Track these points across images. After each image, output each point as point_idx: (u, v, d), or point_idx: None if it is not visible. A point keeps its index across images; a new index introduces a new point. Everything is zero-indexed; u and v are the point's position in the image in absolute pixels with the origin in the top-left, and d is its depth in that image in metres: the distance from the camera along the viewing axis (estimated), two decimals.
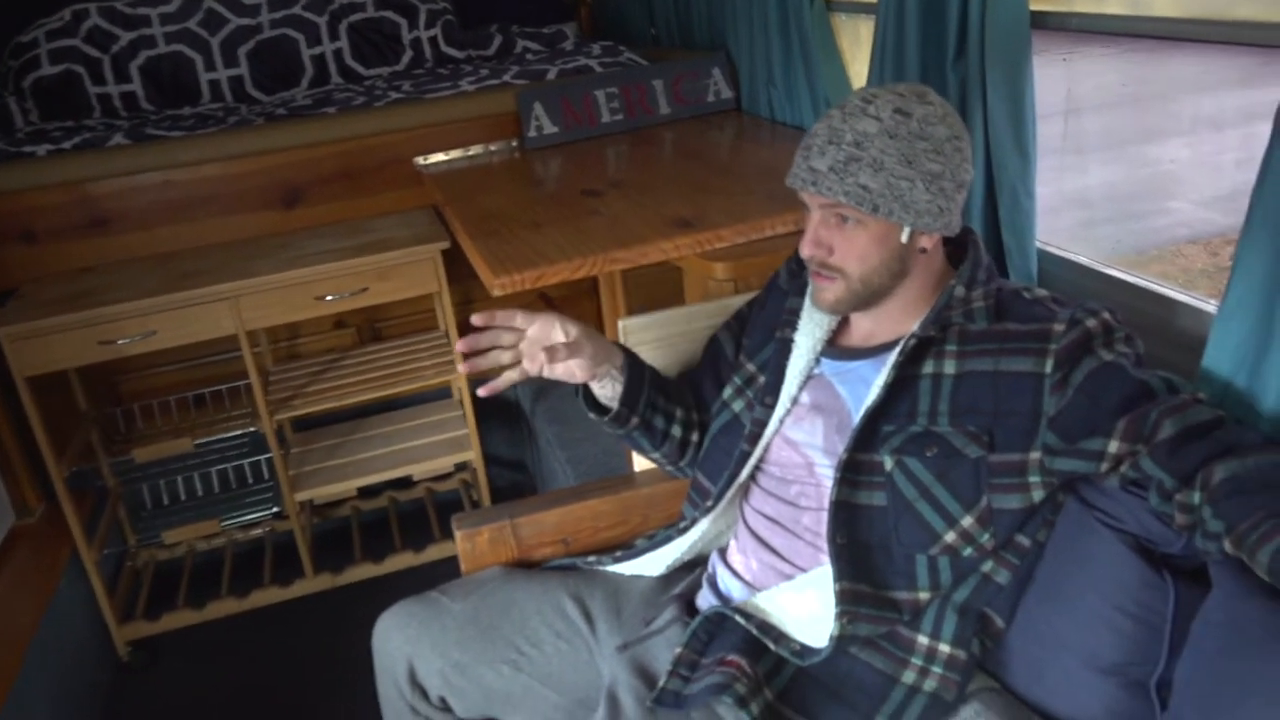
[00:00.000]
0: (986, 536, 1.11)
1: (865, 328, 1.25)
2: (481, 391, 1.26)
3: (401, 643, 1.34)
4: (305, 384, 2.44)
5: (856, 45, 2.04)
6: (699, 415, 1.40)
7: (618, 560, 1.41)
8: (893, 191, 1.08)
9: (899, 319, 1.21)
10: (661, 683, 1.17)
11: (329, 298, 2.21)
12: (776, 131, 2.29)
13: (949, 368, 1.14)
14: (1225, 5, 1.15)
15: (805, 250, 1.15)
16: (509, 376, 1.27)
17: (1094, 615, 1.06)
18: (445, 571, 2.48)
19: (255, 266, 2.20)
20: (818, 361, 1.27)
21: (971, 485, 1.10)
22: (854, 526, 1.15)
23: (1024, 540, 1.12)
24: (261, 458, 2.63)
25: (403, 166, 2.46)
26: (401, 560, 2.52)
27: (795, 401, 1.27)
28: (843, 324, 1.28)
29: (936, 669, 1.13)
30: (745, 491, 1.33)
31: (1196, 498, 0.95)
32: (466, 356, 1.24)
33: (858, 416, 1.18)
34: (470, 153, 2.47)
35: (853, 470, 1.16)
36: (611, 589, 1.39)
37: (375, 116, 2.48)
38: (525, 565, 1.49)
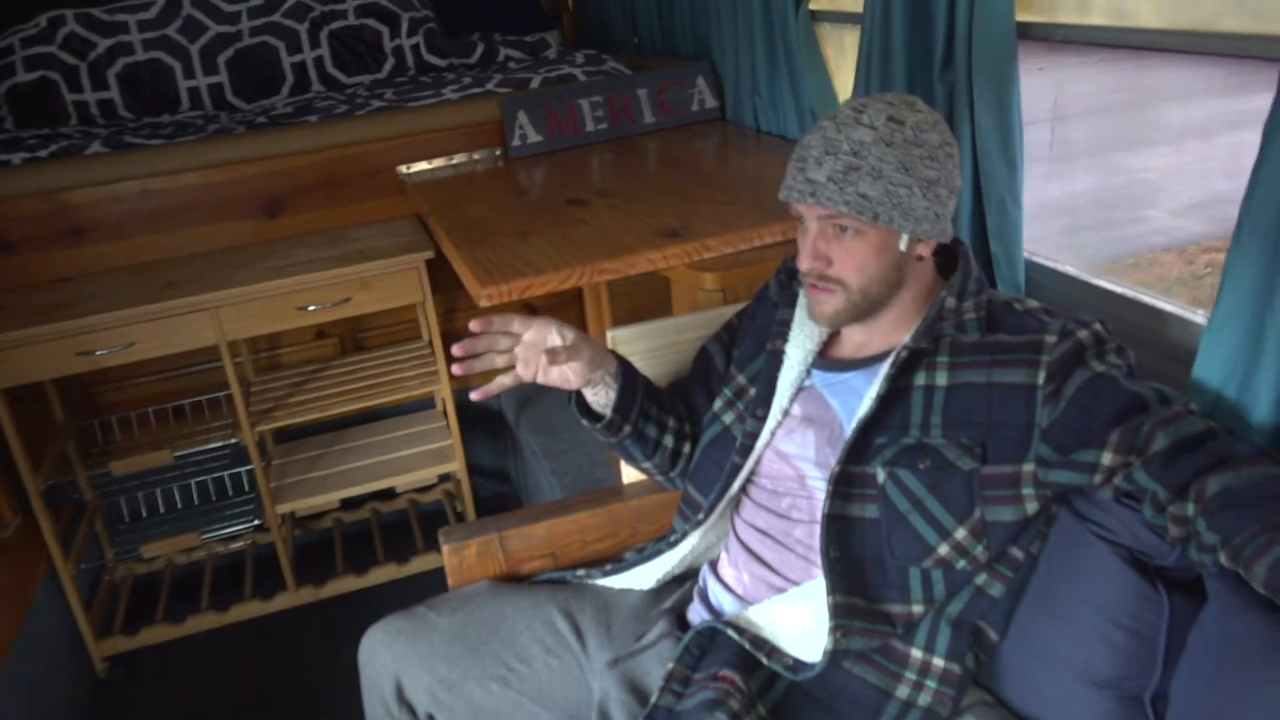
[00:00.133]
0: (980, 549, 1.10)
1: (856, 339, 1.24)
2: (475, 396, 1.25)
3: (388, 659, 1.32)
4: (287, 395, 2.41)
5: (841, 55, 2.04)
6: (690, 426, 1.39)
7: (607, 574, 1.40)
8: (892, 199, 1.08)
9: (890, 330, 1.21)
10: (654, 699, 1.15)
11: (311, 308, 2.19)
12: (762, 141, 2.29)
13: (941, 379, 1.14)
14: (1210, 17, 1.15)
15: (804, 263, 1.15)
16: (502, 381, 1.25)
17: (1088, 628, 1.05)
18: (429, 584, 2.47)
19: (236, 276, 2.17)
20: (809, 373, 1.27)
21: (964, 498, 1.10)
22: (846, 539, 1.14)
23: (1017, 553, 1.12)
24: (242, 470, 2.60)
25: (385, 175, 2.44)
26: (385, 573, 2.49)
27: (786, 413, 1.26)
28: (833, 335, 1.28)
29: (930, 683, 1.13)
30: (736, 504, 1.32)
31: (1190, 510, 0.95)
32: (461, 360, 1.22)
33: (849, 428, 1.18)
34: (454, 161, 2.45)
35: (845, 483, 1.15)
36: (601, 603, 1.38)
37: (357, 125, 2.46)
38: (513, 579, 1.47)
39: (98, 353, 2.06)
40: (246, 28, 2.96)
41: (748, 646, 1.16)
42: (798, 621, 1.18)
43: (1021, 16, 1.40)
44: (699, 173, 2.14)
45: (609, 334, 1.46)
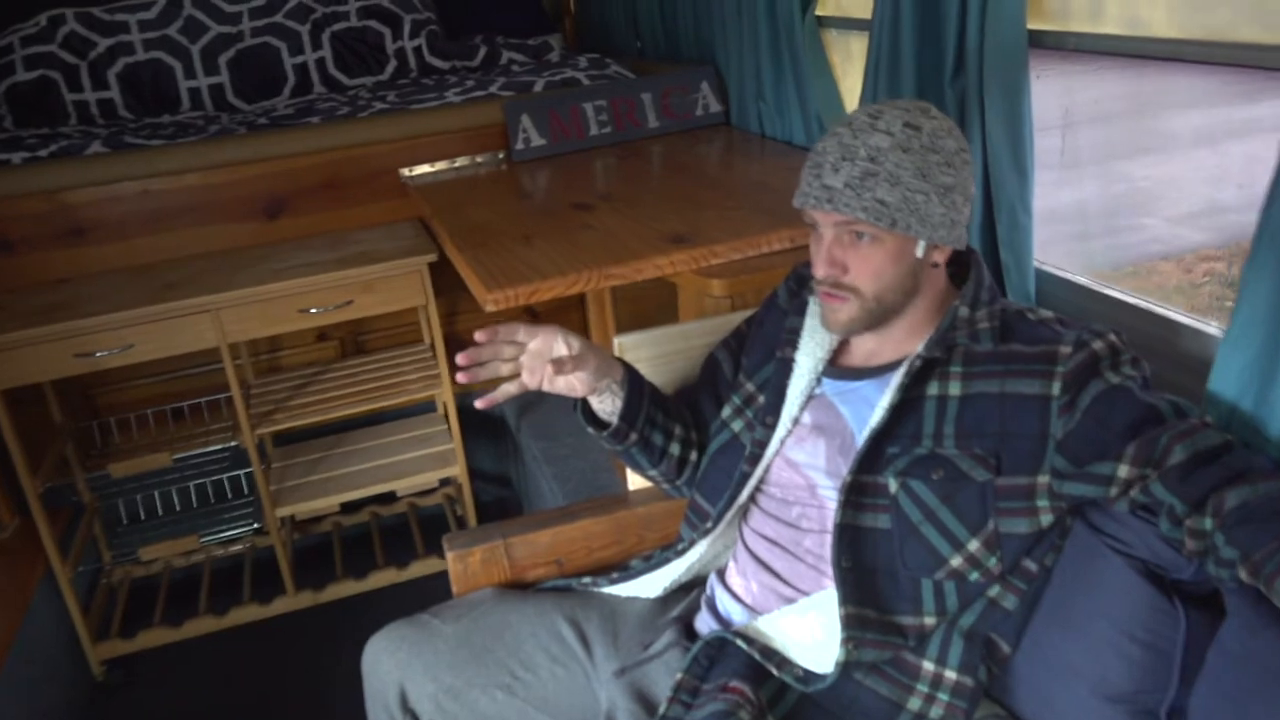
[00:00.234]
0: (994, 561, 1.09)
1: (867, 347, 1.24)
2: (480, 404, 1.23)
3: (392, 666, 1.31)
4: (287, 398, 2.40)
5: (848, 61, 2.04)
6: (697, 434, 1.38)
7: (614, 582, 1.39)
8: (909, 205, 1.07)
9: (903, 339, 1.20)
10: (662, 710, 1.14)
11: (313, 310, 2.17)
12: (766, 146, 2.28)
13: (954, 389, 1.13)
14: (1226, 26, 1.15)
15: (819, 270, 1.14)
16: (507, 389, 1.24)
17: (1103, 642, 1.04)
18: (429, 588, 2.46)
19: (237, 278, 2.16)
20: (819, 381, 1.26)
21: (978, 509, 1.09)
22: (858, 549, 1.13)
23: (1031, 565, 1.11)
24: (241, 473, 2.58)
25: (387, 178, 2.43)
26: (384, 577, 2.48)
27: (796, 422, 1.25)
28: (844, 343, 1.27)
29: (943, 696, 1.12)
30: (744, 513, 1.31)
31: (1208, 524, 0.94)
32: (465, 369, 1.21)
33: (861, 438, 1.17)
34: (456, 164, 2.44)
35: (856, 492, 1.14)
36: (608, 611, 1.37)
37: (360, 127, 2.45)
38: (518, 586, 1.46)
39: (97, 354, 2.05)
40: (248, 28, 2.94)
41: (757, 657, 1.15)
42: (808, 632, 1.17)
43: (1033, 25, 1.39)
44: (704, 178, 2.13)
45: (615, 340, 1.45)
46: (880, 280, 1.12)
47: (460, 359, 1.20)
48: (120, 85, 2.84)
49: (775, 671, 1.14)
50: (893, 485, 1.13)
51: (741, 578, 1.28)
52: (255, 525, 2.54)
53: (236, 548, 2.59)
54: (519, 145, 2.40)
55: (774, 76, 2.19)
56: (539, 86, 2.63)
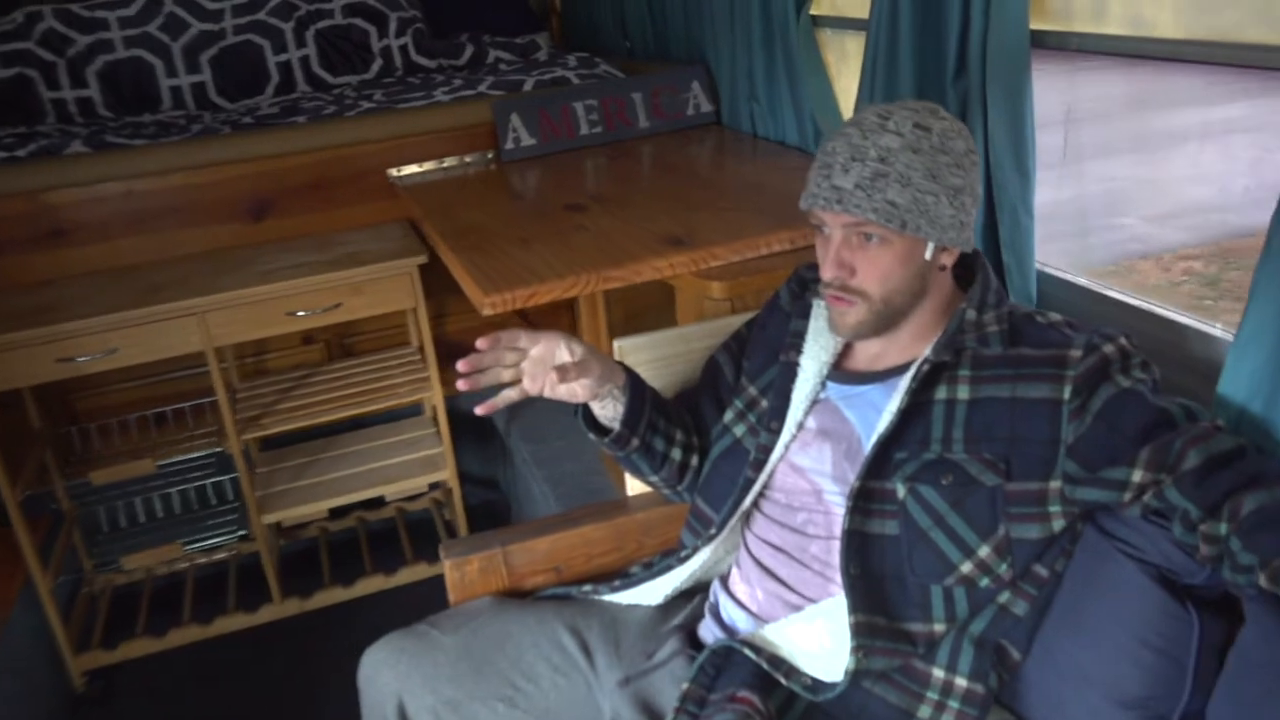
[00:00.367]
0: (1004, 567, 1.08)
1: (872, 351, 1.22)
2: (480, 410, 1.21)
3: (391, 679, 1.28)
4: (274, 402, 2.36)
5: (843, 61, 2.03)
6: (699, 439, 1.37)
7: (615, 589, 1.36)
8: (919, 207, 1.06)
9: (909, 342, 1.18)
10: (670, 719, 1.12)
11: (301, 313, 2.14)
12: (759, 147, 2.27)
13: (963, 393, 1.12)
14: (1232, 27, 1.14)
15: (827, 273, 1.12)
16: (508, 395, 1.22)
17: (1116, 648, 1.03)
18: (419, 595, 2.43)
19: (223, 281, 2.12)
20: (823, 385, 1.24)
21: (988, 514, 1.08)
22: (866, 556, 1.12)
23: (1042, 570, 1.10)
24: (226, 478, 2.54)
25: (375, 178, 2.40)
26: (373, 584, 2.44)
27: (801, 427, 1.23)
28: (848, 347, 1.26)
29: (953, 704, 1.10)
30: (747, 518, 1.30)
31: (1223, 529, 0.93)
32: (466, 376, 1.19)
33: (868, 442, 1.16)
34: (445, 165, 2.41)
35: (864, 498, 1.13)
36: (609, 619, 1.34)
37: (347, 126, 2.41)
38: (516, 595, 1.43)
39: (79, 359, 2.01)
40: (230, 26, 2.90)
41: (765, 666, 1.13)
42: (816, 640, 1.15)
43: (1035, 25, 1.38)
44: (697, 178, 2.11)
45: (615, 344, 1.43)
46: (889, 283, 1.11)
47: (461, 366, 1.17)
48: (100, 83, 2.79)
49: (783, 680, 1.12)
50: (901, 491, 1.11)
51: (746, 585, 1.26)
52: (241, 532, 2.50)
53: (220, 555, 2.54)
54: (508, 145, 2.38)
55: (767, 76, 2.18)
56: (528, 86, 2.60)
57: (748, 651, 1.15)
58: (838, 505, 1.17)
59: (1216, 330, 1.24)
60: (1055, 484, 1.06)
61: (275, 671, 2.29)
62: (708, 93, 2.50)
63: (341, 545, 2.66)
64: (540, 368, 1.21)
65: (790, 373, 1.26)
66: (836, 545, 1.15)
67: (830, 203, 1.08)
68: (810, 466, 1.21)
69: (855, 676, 1.09)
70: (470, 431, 2.82)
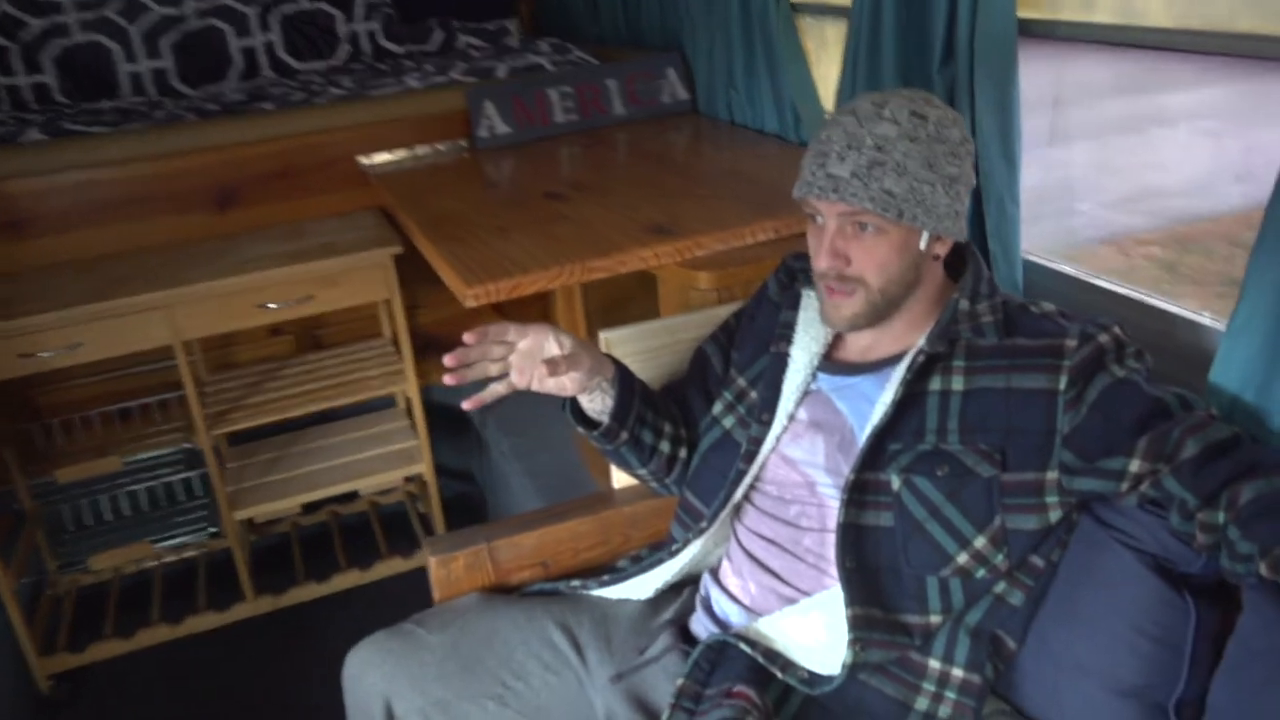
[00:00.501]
0: (1000, 557, 1.08)
1: (863, 342, 1.21)
2: (466, 405, 1.19)
3: (377, 680, 1.25)
4: (243, 396, 2.31)
5: (822, 48, 2.01)
6: (687, 431, 1.35)
7: (604, 584, 1.35)
8: (915, 196, 1.05)
9: (901, 333, 1.18)
10: (665, 717, 1.11)
11: (272, 305, 2.09)
12: (737, 135, 2.25)
13: (957, 384, 1.11)
14: (1226, 16, 1.14)
15: (822, 263, 1.10)
16: (496, 390, 1.19)
17: (1113, 637, 1.04)
18: (395, 591, 2.40)
19: (190, 273, 2.06)
20: (814, 377, 1.23)
21: (984, 505, 1.08)
22: (861, 549, 1.11)
23: (1038, 560, 1.10)
24: (194, 474, 2.48)
25: (345, 166, 2.35)
26: (348, 579, 2.40)
27: (792, 418, 1.22)
28: (838, 338, 1.25)
29: (950, 694, 1.10)
30: (738, 511, 1.28)
31: (1220, 518, 0.94)
32: (453, 370, 1.16)
33: (862, 434, 1.15)
34: (417, 152, 2.37)
35: (859, 490, 1.12)
36: (599, 615, 1.33)
37: (316, 114, 2.36)
38: (502, 591, 1.41)
39: (42, 354, 1.94)
40: (192, 10, 2.82)
41: (761, 660, 1.12)
42: (811, 633, 1.14)
43: (1023, 13, 1.37)
44: (676, 166, 2.09)
45: (601, 335, 1.41)
46: (885, 273, 1.10)
47: (448, 360, 1.15)
48: (55, 69, 2.70)
49: (779, 674, 1.11)
50: (895, 482, 1.11)
51: (738, 578, 1.25)
52: (212, 530, 2.45)
53: (190, 552, 2.48)
54: (482, 133, 2.34)
55: (745, 64, 2.16)
56: (501, 72, 2.56)
57: (742, 645, 1.14)
58: (831, 497, 1.16)
59: (1202, 318, 1.25)
60: (1052, 474, 1.06)
61: (249, 671, 2.24)
62: (683, 80, 2.48)
63: (313, 540, 2.61)
64: (528, 361, 1.19)
65: (780, 364, 1.25)
66: (830, 537, 1.14)
67: (826, 191, 1.07)
68: (802, 458, 1.20)
69: (852, 669, 1.08)
70: (443, 422, 2.77)
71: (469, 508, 2.77)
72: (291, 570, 2.46)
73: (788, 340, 1.25)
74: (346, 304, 2.19)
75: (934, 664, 1.11)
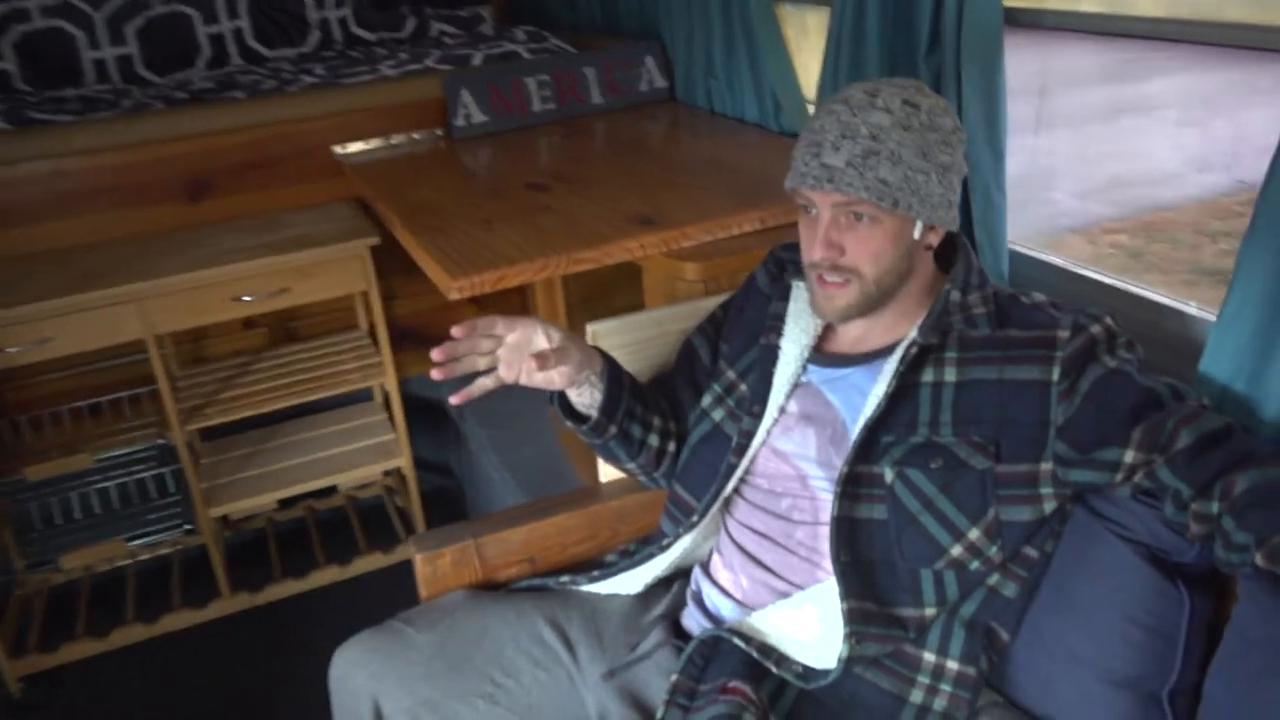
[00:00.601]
0: (994, 549, 1.08)
1: (854, 333, 1.20)
2: (454, 400, 1.16)
3: (364, 680, 1.23)
4: (217, 390, 2.26)
5: (803, 36, 2.00)
6: (675, 424, 1.34)
7: (594, 580, 1.33)
8: (910, 185, 1.04)
9: (892, 324, 1.17)
10: (660, 714, 1.10)
11: (247, 298, 2.05)
12: (717, 123, 2.23)
13: (949, 375, 1.11)
14: (1214, 7, 1.14)
15: (816, 254, 1.09)
16: (484, 384, 1.17)
17: (1107, 627, 1.04)
18: (376, 586, 2.37)
19: (162, 265, 2.01)
20: (804, 369, 1.22)
21: (978, 497, 1.07)
22: (855, 542, 1.10)
23: (1032, 552, 1.10)
24: (167, 470, 2.43)
25: (319, 155, 2.31)
26: (327, 575, 2.37)
27: (783, 411, 1.21)
28: (828, 329, 1.24)
29: (945, 687, 1.10)
30: (728, 504, 1.28)
31: (1215, 508, 0.94)
32: (441, 365, 1.14)
33: (854, 426, 1.14)
34: (393, 142, 2.33)
35: (852, 483, 1.11)
36: (588, 611, 1.32)
37: (289, 102, 2.32)
38: (489, 588, 1.40)
39: (10, 350, 1.89)
40: None
41: (755, 655, 1.12)
42: (805, 627, 1.14)
43: (1009, 2, 1.37)
44: (658, 156, 2.07)
45: (589, 328, 1.39)
46: (879, 263, 1.09)
47: (435, 355, 1.12)
48: (16, 55, 2.62)
49: (774, 669, 1.11)
50: (889, 475, 1.10)
51: (729, 572, 1.24)
52: (187, 526, 2.40)
53: (163, 550, 2.44)
54: (459, 121, 2.30)
55: (725, 52, 2.14)
56: (478, 60, 2.53)
57: (736, 640, 1.13)
58: (823, 491, 1.16)
59: (1188, 308, 1.25)
60: (1046, 466, 1.06)
61: (227, 670, 2.21)
62: (662, 68, 2.46)
63: (290, 535, 2.58)
64: (516, 355, 1.17)
65: (771, 356, 1.24)
66: (822, 531, 1.14)
67: (821, 181, 1.06)
68: (794, 451, 1.20)
69: (847, 663, 1.08)
70: (419, 415, 2.74)
71: (447, 501, 2.74)
72: (268, 567, 2.42)
73: (777, 332, 1.24)
74: (323, 296, 2.16)
75: (928, 657, 1.11)
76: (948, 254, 1.19)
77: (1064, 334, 1.06)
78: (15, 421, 2.26)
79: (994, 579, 1.10)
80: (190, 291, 2.00)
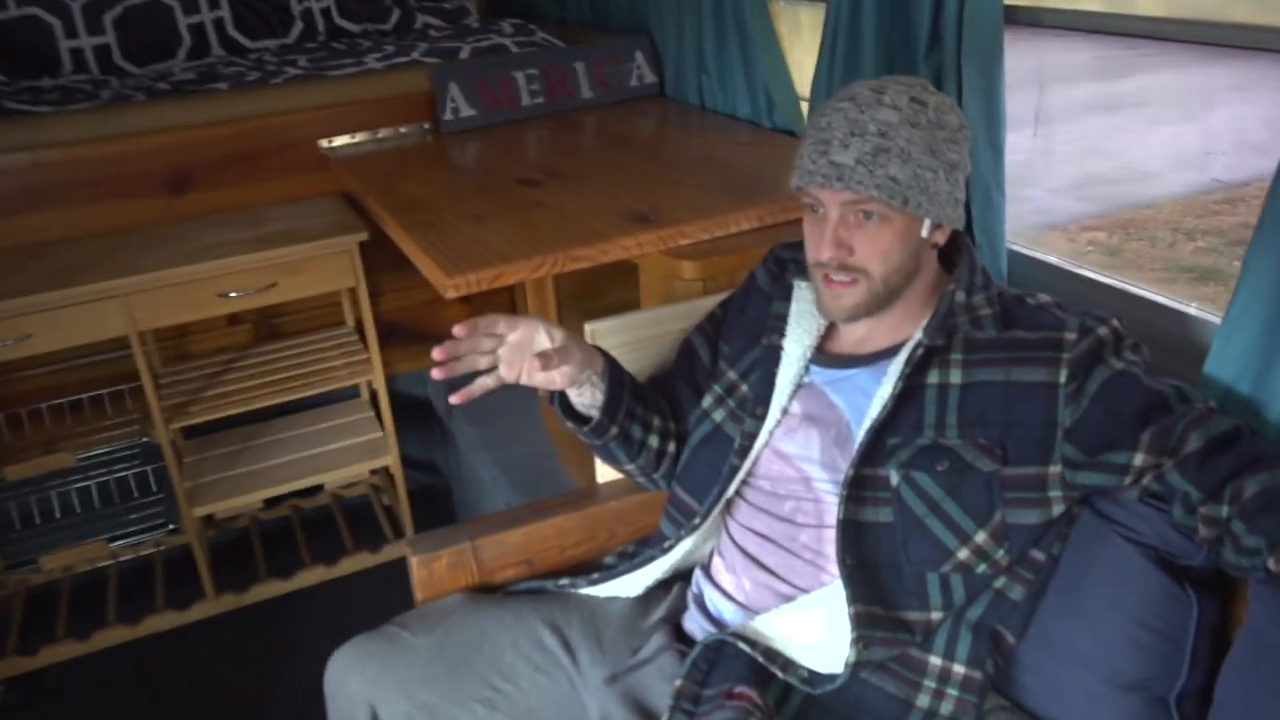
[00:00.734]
0: (1001, 552, 1.07)
1: (858, 334, 1.19)
2: (454, 399, 1.14)
3: (361, 685, 1.21)
4: (202, 387, 2.23)
5: (796, 33, 1.99)
6: (675, 425, 1.32)
7: (594, 583, 1.32)
8: (919, 183, 1.03)
9: (897, 324, 1.16)
10: (665, 718, 1.09)
11: (233, 294, 2.01)
12: (708, 120, 2.22)
13: (955, 377, 1.10)
14: (1219, 7, 1.14)
15: (825, 253, 1.08)
16: (484, 383, 1.16)
17: (1115, 630, 1.04)
18: (362, 586, 2.34)
19: (146, 260, 1.97)
20: (807, 370, 1.21)
21: (984, 500, 1.07)
22: (861, 545, 1.10)
23: (1039, 555, 1.09)
24: (149, 468, 2.39)
25: (304, 149, 2.27)
26: (313, 575, 2.34)
27: (786, 412, 1.20)
28: (831, 329, 1.23)
29: (952, 691, 1.09)
30: (729, 506, 1.26)
31: (1224, 511, 0.94)
32: (442, 364, 1.12)
33: (859, 428, 1.13)
34: (380, 135, 2.30)
35: (858, 486, 1.10)
36: (588, 614, 1.30)
37: (273, 94, 2.28)
38: (486, 590, 1.38)
39: None
40: None
41: (760, 659, 1.10)
42: (811, 631, 1.13)
43: (1009, 0, 1.36)
44: (650, 152, 2.06)
45: (587, 327, 1.37)
46: (888, 262, 1.08)
47: (437, 354, 1.10)
48: None
49: (780, 674, 1.10)
50: (894, 478, 1.09)
51: (731, 574, 1.23)
52: (170, 526, 2.36)
53: (146, 550, 2.40)
54: (447, 115, 2.27)
55: (717, 47, 2.13)
56: (465, 53, 2.50)
57: (741, 645, 1.12)
58: (828, 493, 1.15)
59: (1189, 309, 1.25)
60: (1055, 468, 1.05)
61: (212, 671, 2.17)
62: (651, 63, 2.44)
63: (275, 535, 2.54)
64: (517, 354, 1.15)
65: (773, 356, 1.22)
66: (827, 533, 1.13)
67: (830, 179, 1.04)
68: (797, 453, 1.19)
69: (854, 667, 1.07)
70: (405, 412, 2.71)
71: (433, 500, 2.71)
72: (253, 567, 2.39)
73: (780, 332, 1.23)
74: (310, 292, 2.13)
75: (935, 660, 1.10)
76: (950, 253, 1.19)
77: (1071, 336, 1.06)
78: None
79: (1001, 582, 1.10)
80: (176, 287, 1.96)
